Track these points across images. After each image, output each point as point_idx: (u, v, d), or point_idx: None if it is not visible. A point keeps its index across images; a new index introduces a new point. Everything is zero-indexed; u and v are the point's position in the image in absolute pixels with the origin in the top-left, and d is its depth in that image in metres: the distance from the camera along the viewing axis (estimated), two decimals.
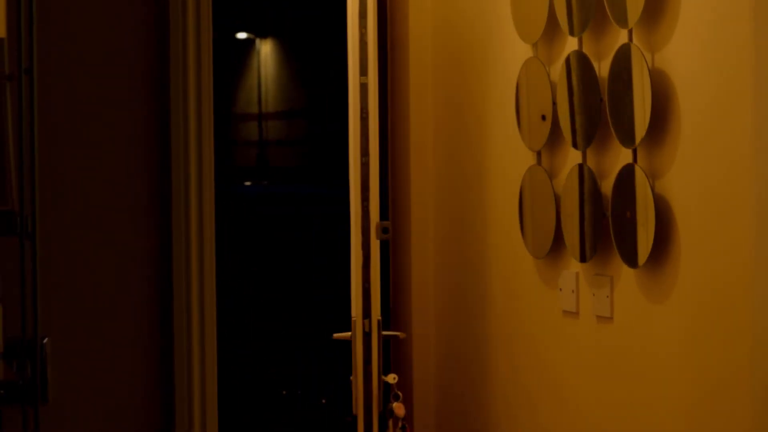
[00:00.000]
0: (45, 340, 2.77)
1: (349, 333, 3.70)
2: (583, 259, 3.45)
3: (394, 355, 4.41)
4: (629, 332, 3.32)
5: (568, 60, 3.47)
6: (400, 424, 3.77)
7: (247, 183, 11.18)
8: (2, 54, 2.54)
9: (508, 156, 3.86)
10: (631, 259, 3.23)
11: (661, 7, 3.14)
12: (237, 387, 7.79)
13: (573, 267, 3.54)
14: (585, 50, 3.41)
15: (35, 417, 2.60)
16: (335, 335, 3.81)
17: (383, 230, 3.67)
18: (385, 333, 3.70)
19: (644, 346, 3.25)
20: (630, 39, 3.20)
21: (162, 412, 2.85)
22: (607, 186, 3.33)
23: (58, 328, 2.79)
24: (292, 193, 10.22)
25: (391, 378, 3.68)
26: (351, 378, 3.68)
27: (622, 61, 3.22)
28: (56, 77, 2.78)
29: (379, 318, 3.65)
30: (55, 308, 2.78)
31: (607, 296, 3.39)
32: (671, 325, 3.15)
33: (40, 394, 2.63)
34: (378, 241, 3.65)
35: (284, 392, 7.88)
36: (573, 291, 3.54)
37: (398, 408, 3.71)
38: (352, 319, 3.68)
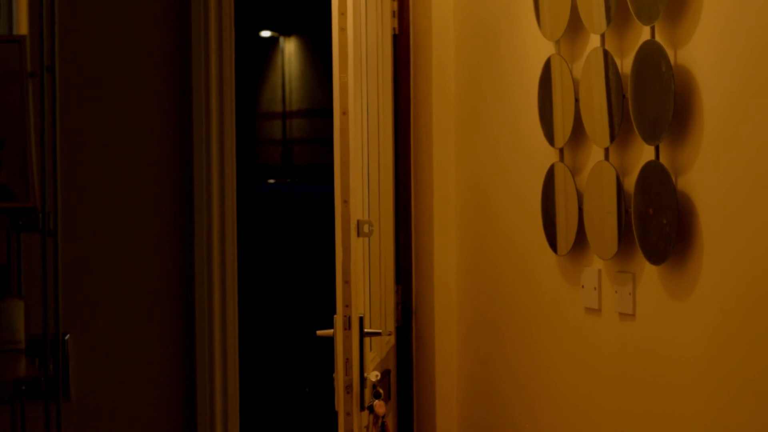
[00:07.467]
0: (67, 337, 2.77)
1: (332, 330, 3.67)
2: (605, 256, 3.44)
3: (417, 361, 4.41)
4: (652, 329, 3.31)
5: (590, 57, 3.46)
6: (380, 422, 3.75)
7: (271, 181, 11.20)
8: (24, 51, 2.55)
9: (531, 153, 3.85)
10: (653, 256, 3.22)
11: (683, 3, 3.13)
12: (259, 383, 7.81)
13: (595, 264, 3.54)
14: (608, 47, 3.40)
15: (57, 414, 2.61)
16: (318, 332, 3.78)
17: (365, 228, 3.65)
18: (367, 330, 3.66)
19: (667, 344, 3.24)
20: (653, 35, 3.19)
21: (184, 409, 2.86)
22: (630, 183, 3.32)
23: (80, 324, 2.80)
24: (315, 191, 10.23)
25: (374, 376, 3.66)
26: (333, 375, 3.65)
27: (645, 57, 3.21)
28: (78, 74, 2.79)
29: (361, 314, 3.61)
30: (77, 305, 2.79)
31: (630, 293, 3.38)
32: (694, 322, 3.14)
33: (62, 390, 2.63)
34: (359, 239, 3.62)
35: (307, 389, 7.89)
36: (595, 288, 3.53)
37: (379, 406, 3.69)
38: (334, 316, 3.65)
